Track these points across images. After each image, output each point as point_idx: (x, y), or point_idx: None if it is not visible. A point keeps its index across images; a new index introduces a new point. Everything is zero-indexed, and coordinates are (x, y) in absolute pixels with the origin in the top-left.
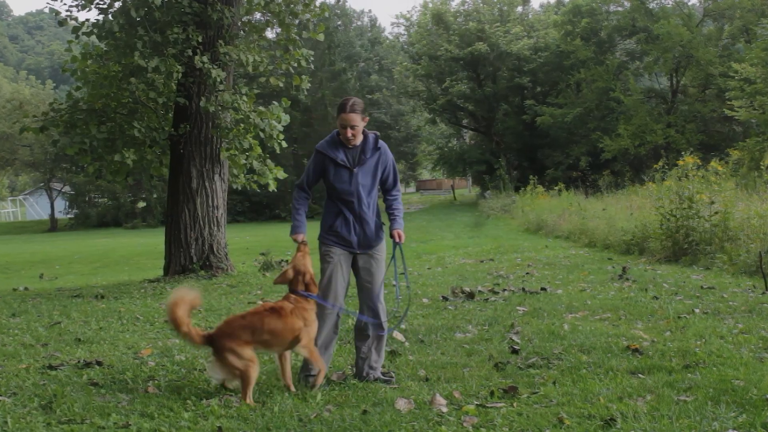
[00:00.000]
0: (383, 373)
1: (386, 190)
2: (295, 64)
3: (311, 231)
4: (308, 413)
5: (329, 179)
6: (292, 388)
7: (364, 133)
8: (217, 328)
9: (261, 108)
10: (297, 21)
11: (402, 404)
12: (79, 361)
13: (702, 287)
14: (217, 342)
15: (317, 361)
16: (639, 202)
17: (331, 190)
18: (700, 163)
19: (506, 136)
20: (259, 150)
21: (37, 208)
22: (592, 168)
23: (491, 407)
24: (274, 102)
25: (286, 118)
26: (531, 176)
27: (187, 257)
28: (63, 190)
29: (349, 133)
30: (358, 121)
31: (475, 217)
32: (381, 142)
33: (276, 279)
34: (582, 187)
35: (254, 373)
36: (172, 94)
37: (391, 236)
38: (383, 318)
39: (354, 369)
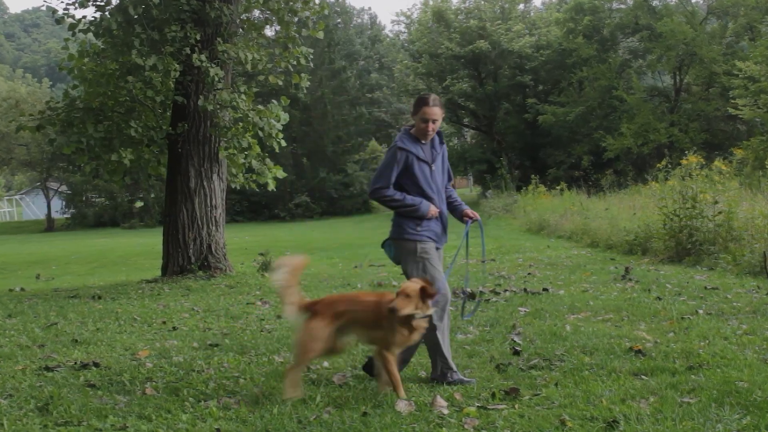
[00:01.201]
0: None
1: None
2: (295, 62)
3: (313, 232)
4: (308, 415)
5: (413, 175)
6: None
7: None
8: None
9: (260, 107)
10: (296, 18)
11: (402, 406)
12: (75, 363)
13: (705, 288)
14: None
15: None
16: (642, 201)
17: (413, 187)
18: (704, 163)
19: (508, 135)
20: (258, 149)
21: (33, 207)
22: (595, 167)
23: (492, 409)
24: (273, 100)
25: (285, 117)
26: (533, 176)
27: (185, 257)
28: (60, 190)
29: (430, 127)
30: (439, 116)
31: None
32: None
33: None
34: (584, 186)
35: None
36: (170, 92)
37: (467, 216)
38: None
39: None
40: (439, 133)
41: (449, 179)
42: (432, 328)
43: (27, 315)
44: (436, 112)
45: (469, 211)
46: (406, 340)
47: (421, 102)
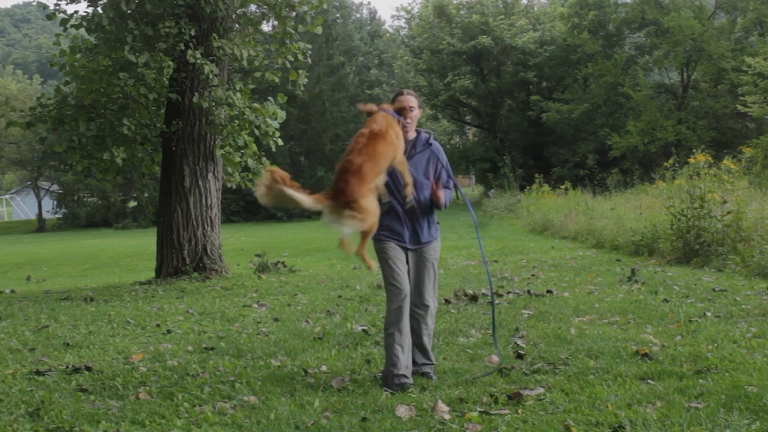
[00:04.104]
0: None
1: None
2: (292, 59)
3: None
4: (305, 420)
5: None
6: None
7: (418, 131)
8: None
9: (256, 104)
10: (294, 13)
11: (403, 411)
12: (67, 367)
13: (714, 290)
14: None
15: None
16: (648, 201)
17: (387, 182)
18: (712, 161)
19: (511, 133)
20: (254, 147)
21: (24, 207)
22: (600, 166)
23: (495, 414)
24: (269, 98)
25: (282, 115)
26: (536, 175)
27: (180, 259)
28: (51, 189)
29: (407, 115)
30: (415, 104)
31: (478, 217)
32: (433, 141)
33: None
34: (589, 185)
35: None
36: (164, 89)
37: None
38: (429, 318)
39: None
40: (428, 136)
41: (447, 182)
42: (385, 329)
43: (17, 318)
44: (410, 99)
45: (439, 192)
46: None
47: (397, 94)
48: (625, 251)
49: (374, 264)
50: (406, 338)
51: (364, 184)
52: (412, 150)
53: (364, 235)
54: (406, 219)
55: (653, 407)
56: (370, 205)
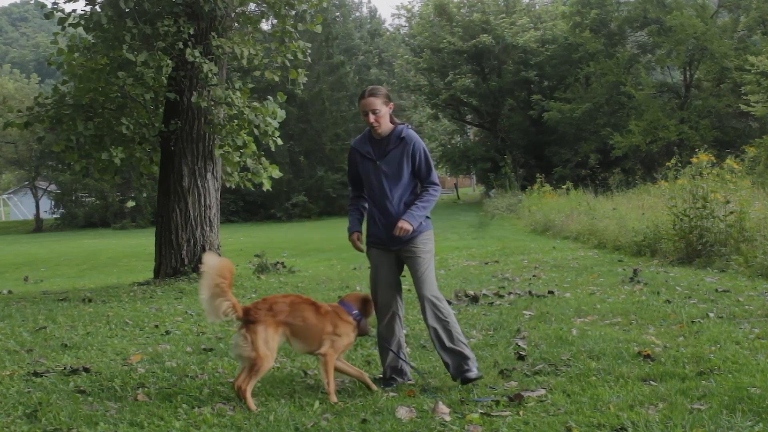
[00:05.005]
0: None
1: (420, 181)
2: (291, 57)
3: (314, 231)
4: (305, 422)
5: (360, 174)
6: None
7: (393, 122)
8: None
9: (255, 103)
10: (293, 12)
11: (403, 412)
12: (65, 368)
13: (716, 290)
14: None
15: (329, 376)
16: (651, 201)
17: (365, 186)
18: (715, 161)
19: (512, 133)
20: (253, 147)
21: (21, 207)
22: (602, 166)
23: (496, 416)
24: (269, 97)
25: (281, 114)
26: (538, 174)
27: (179, 259)
28: (49, 189)
29: (371, 118)
30: (378, 105)
31: (479, 217)
32: (407, 132)
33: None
34: (591, 185)
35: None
36: (162, 88)
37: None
38: (435, 311)
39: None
40: (401, 128)
41: (427, 175)
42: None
43: (15, 318)
44: (371, 101)
45: (398, 222)
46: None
47: (359, 97)
48: (627, 252)
49: (253, 406)
50: (384, 341)
51: (273, 319)
52: (385, 148)
53: (251, 369)
54: (381, 219)
55: (655, 409)
56: (265, 342)
